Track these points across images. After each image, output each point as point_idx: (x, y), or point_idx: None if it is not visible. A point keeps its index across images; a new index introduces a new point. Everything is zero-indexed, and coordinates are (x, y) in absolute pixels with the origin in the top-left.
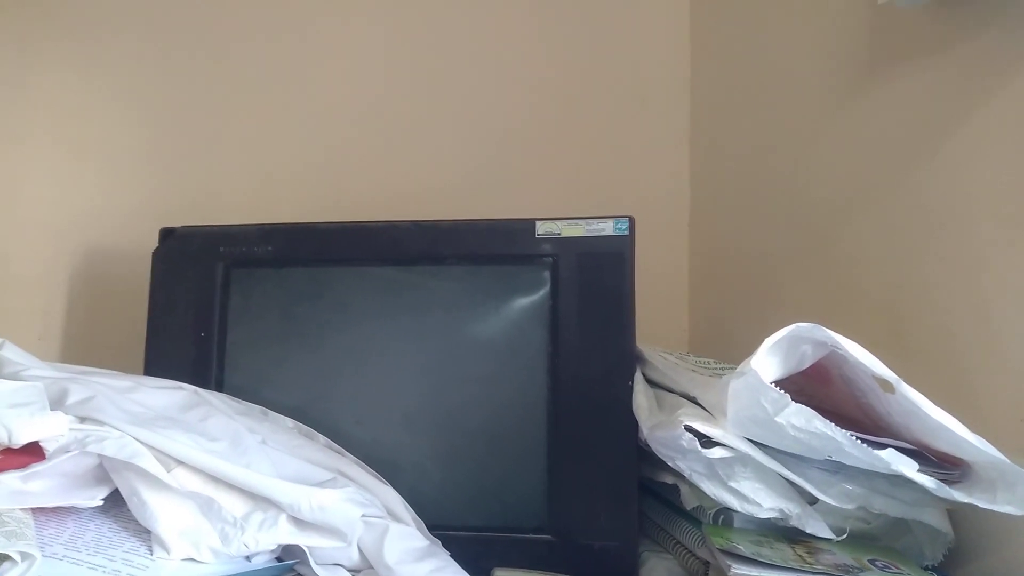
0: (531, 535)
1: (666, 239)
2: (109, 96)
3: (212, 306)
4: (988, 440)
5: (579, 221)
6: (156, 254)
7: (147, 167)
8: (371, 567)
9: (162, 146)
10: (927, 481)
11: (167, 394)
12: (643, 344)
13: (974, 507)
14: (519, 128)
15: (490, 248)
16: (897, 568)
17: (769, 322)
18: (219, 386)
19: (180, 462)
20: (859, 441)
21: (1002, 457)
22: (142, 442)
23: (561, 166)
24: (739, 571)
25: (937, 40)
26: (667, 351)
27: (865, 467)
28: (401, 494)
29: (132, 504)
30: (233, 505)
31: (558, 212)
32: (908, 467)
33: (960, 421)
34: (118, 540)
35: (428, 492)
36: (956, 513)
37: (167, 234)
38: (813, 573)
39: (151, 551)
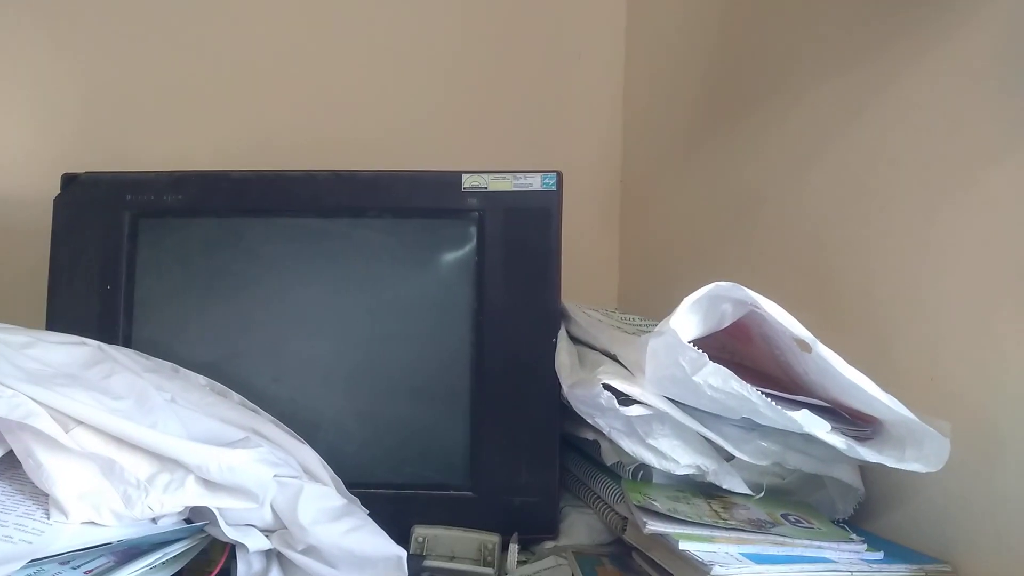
0: (452, 492)
1: (599, 195)
2: (8, 32)
3: (119, 257)
4: (899, 399)
5: (506, 175)
6: (58, 201)
7: (49, 108)
8: (285, 527)
9: (65, 86)
10: (838, 442)
11: (68, 350)
12: (568, 301)
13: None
14: (448, 77)
15: (413, 201)
16: (808, 523)
17: (698, 280)
18: (127, 341)
19: (80, 422)
20: (773, 403)
21: (911, 415)
22: (38, 401)
23: (492, 118)
24: (654, 527)
25: (864, 11)
26: (592, 307)
27: (780, 427)
28: (320, 452)
29: (27, 466)
30: (137, 466)
31: (489, 166)
32: (820, 428)
33: (874, 380)
34: (12, 504)
35: (348, 450)
36: (868, 469)
37: (69, 180)
38: (726, 528)
39: (48, 515)
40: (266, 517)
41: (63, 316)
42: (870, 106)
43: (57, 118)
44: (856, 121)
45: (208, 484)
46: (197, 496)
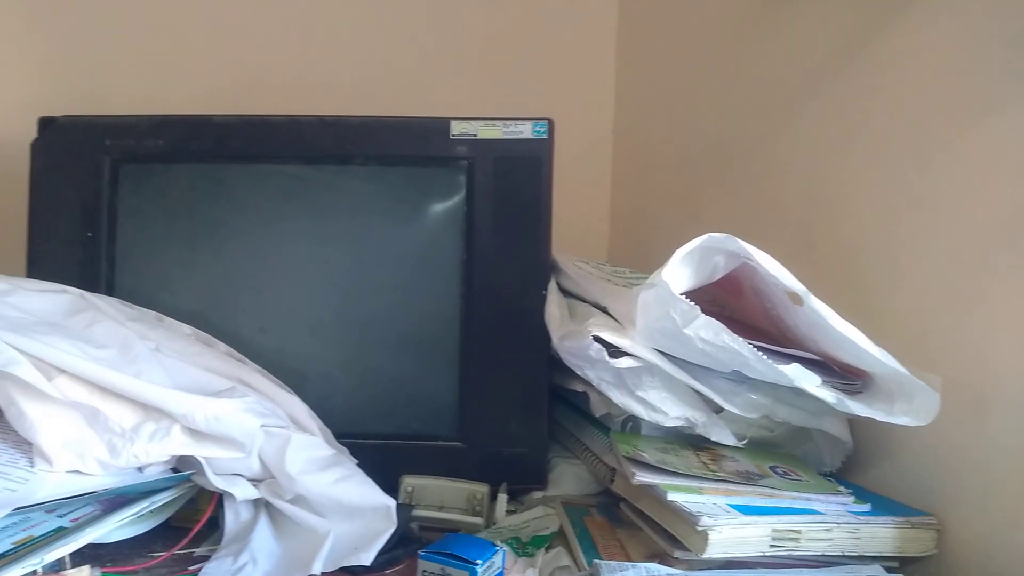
0: (441, 442)
1: (590, 144)
2: None
3: (99, 204)
4: (890, 353)
5: (496, 122)
6: (35, 146)
7: (26, 48)
8: (273, 477)
9: (43, 26)
10: (828, 396)
11: (49, 298)
12: (559, 253)
13: None
14: (438, 21)
15: (401, 148)
16: (796, 475)
17: (690, 232)
18: (110, 290)
19: (62, 371)
20: (764, 356)
21: (901, 368)
22: (19, 349)
23: (482, 64)
24: (642, 478)
25: None
26: (582, 260)
27: (770, 380)
28: (308, 403)
29: (10, 414)
30: (122, 416)
31: (479, 113)
32: (810, 382)
33: (864, 334)
34: None
35: (337, 400)
36: (856, 422)
37: (47, 124)
38: (714, 480)
39: (32, 463)
40: (254, 467)
41: (44, 264)
42: (864, 52)
43: (32, 57)
44: (849, 68)
45: (194, 433)
46: (183, 445)
